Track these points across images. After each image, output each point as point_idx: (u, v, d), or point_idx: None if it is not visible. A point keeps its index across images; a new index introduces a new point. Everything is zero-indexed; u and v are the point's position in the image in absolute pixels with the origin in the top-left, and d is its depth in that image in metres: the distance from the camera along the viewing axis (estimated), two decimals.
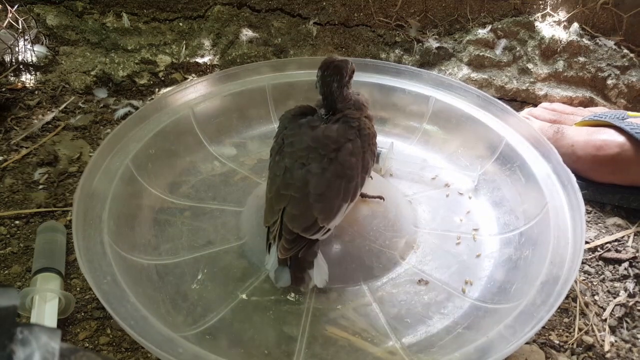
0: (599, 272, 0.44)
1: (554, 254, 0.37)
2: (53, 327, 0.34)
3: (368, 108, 0.40)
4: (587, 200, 0.48)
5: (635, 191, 0.47)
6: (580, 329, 0.39)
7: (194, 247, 0.41)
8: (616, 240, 0.46)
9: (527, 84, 0.59)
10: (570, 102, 0.58)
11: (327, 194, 0.35)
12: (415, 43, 0.62)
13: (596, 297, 0.42)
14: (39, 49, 0.60)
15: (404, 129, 0.53)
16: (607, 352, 0.38)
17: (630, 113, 0.48)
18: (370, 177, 0.42)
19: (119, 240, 0.38)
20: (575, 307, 0.40)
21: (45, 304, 0.36)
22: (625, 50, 0.58)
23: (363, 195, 0.41)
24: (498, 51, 0.60)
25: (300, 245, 0.35)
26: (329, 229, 0.36)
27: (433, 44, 0.61)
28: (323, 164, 0.35)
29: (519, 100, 0.60)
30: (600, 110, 0.52)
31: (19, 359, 0.19)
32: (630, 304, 0.41)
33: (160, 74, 0.61)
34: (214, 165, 0.49)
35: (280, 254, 0.34)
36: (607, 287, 0.42)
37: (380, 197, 0.42)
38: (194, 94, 0.49)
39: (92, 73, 0.60)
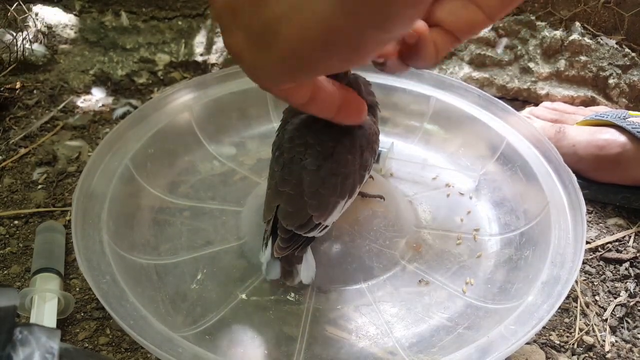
0: (600, 272, 0.44)
1: (554, 254, 0.37)
2: (52, 327, 0.34)
3: (373, 95, 0.40)
4: (588, 200, 0.48)
5: (637, 191, 0.47)
6: (580, 329, 0.39)
7: (193, 247, 0.41)
8: (617, 240, 0.46)
9: (529, 83, 0.59)
10: (571, 101, 0.58)
11: (322, 191, 0.34)
12: None
13: (597, 297, 0.41)
14: (38, 48, 0.60)
15: (404, 128, 0.52)
16: (608, 352, 0.38)
17: (631, 112, 0.48)
18: (372, 177, 0.42)
19: (118, 240, 0.38)
20: (576, 307, 0.40)
21: (45, 304, 0.36)
22: (627, 50, 0.58)
23: (364, 195, 0.41)
24: (499, 50, 0.60)
25: (297, 243, 0.35)
26: (325, 226, 0.35)
27: None
28: (318, 160, 0.35)
29: (521, 100, 0.60)
30: (602, 110, 0.52)
31: (18, 358, 0.19)
32: (631, 304, 0.41)
33: (159, 73, 0.61)
34: (213, 165, 0.48)
35: (276, 253, 0.34)
36: (607, 287, 0.42)
37: (381, 197, 0.42)
38: (193, 93, 0.49)
39: (91, 72, 0.60)
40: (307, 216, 0.34)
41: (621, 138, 0.46)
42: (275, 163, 0.37)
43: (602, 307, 0.41)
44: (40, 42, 0.61)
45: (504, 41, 0.60)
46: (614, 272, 0.44)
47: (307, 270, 0.36)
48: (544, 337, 0.38)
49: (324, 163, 0.35)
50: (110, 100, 0.58)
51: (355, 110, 0.31)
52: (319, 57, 0.21)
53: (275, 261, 0.35)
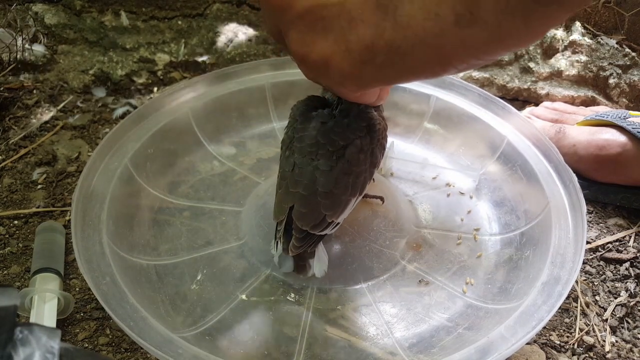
0: (600, 272, 0.44)
1: (554, 254, 0.37)
2: (52, 327, 0.34)
3: None
4: (589, 200, 0.48)
5: (637, 191, 0.47)
6: (581, 329, 0.39)
7: (193, 247, 0.41)
8: (617, 240, 0.46)
9: (529, 83, 0.59)
10: (572, 101, 0.58)
11: (335, 191, 0.35)
12: None
13: (597, 297, 0.41)
14: (37, 47, 0.60)
15: (404, 128, 0.52)
16: (608, 352, 0.38)
17: (632, 112, 0.48)
18: (373, 178, 0.42)
19: (118, 240, 0.38)
20: (576, 307, 0.40)
21: (45, 305, 0.36)
22: (627, 49, 0.58)
23: (364, 195, 0.41)
24: None
25: (311, 241, 0.35)
26: (337, 223, 0.36)
27: None
28: (331, 161, 0.35)
29: (521, 100, 0.60)
30: (602, 110, 0.52)
31: (19, 358, 0.19)
32: (631, 304, 0.41)
33: (159, 73, 0.61)
34: (213, 165, 0.48)
35: (291, 252, 0.35)
36: (608, 287, 0.42)
37: (380, 198, 0.42)
38: (192, 93, 0.49)
39: (91, 72, 0.60)
40: (321, 216, 0.34)
41: (621, 138, 0.46)
42: (285, 163, 0.36)
43: (603, 307, 0.41)
44: (40, 42, 0.60)
45: None
46: (614, 272, 0.43)
47: (319, 264, 0.36)
48: (544, 337, 0.38)
49: (336, 164, 0.35)
50: (109, 100, 0.58)
51: (386, 92, 0.35)
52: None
53: (287, 255, 0.36)
